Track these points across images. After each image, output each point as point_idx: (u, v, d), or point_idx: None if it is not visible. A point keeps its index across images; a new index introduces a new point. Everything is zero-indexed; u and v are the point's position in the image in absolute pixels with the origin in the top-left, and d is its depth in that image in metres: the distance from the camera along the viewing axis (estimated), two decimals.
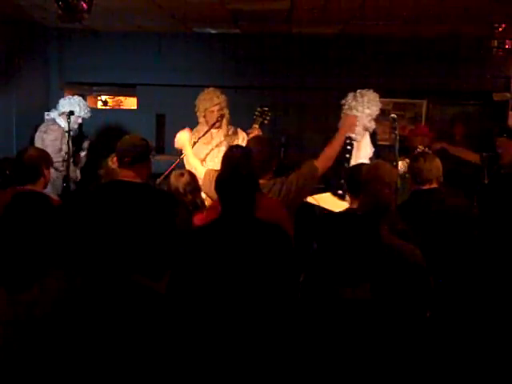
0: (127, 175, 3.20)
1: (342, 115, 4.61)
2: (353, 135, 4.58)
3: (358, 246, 1.81)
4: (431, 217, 3.44)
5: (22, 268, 2.09)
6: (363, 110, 4.56)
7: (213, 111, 4.80)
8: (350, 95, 4.66)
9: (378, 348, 1.70)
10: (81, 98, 5.76)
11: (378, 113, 4.71)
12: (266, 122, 4.92)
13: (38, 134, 5.60)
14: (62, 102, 5.67)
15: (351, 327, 1.72)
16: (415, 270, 2.66)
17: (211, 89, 4.92)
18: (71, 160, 5.24)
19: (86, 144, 5.86)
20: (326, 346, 1.70)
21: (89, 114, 5.73)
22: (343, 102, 4.67)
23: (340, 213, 2.78)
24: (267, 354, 1.85)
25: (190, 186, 3.85)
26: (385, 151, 5.56)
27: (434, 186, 3.63)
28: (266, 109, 4.92)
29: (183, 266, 2.41)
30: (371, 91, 4.69)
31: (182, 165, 4.65)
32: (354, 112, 4.56)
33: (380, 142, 6.78)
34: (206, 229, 2.72)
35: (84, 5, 3.65)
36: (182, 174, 3.91)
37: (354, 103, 4.59)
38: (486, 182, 5.04)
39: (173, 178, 3.90)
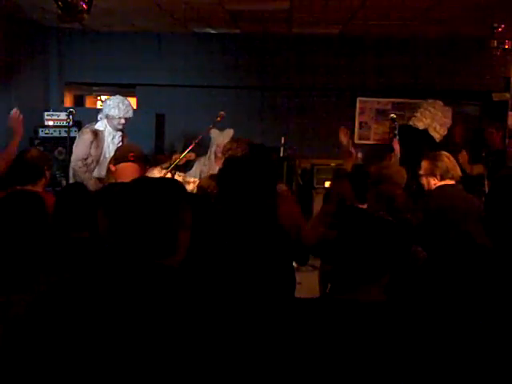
0: (130, 171, 3.33)
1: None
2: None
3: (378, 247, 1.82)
4: (455, 211, 3.52)
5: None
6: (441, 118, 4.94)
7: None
8: (423, 108, 5.04)
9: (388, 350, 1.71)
10: (122, 98, 5.29)
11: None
12: None
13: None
14: (104, 103, 5.35)
15: (364, 329, 1.73)
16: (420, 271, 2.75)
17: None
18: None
19: None
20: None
21: (130, 114, 5.26)
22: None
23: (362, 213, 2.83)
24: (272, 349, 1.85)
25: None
26: (385, 151, 5.57)
27: (453, 182, 3.75)
28: None
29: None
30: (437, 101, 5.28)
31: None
32: (429, 121, 4.93)
33: (380, 142, 6.83)
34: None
35: (84, 5, 3.65)
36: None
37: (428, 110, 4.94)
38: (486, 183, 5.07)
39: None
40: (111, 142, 5.20)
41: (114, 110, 5.10)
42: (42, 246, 2.30)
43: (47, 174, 3.53)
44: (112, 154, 4.93)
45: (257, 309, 2.13)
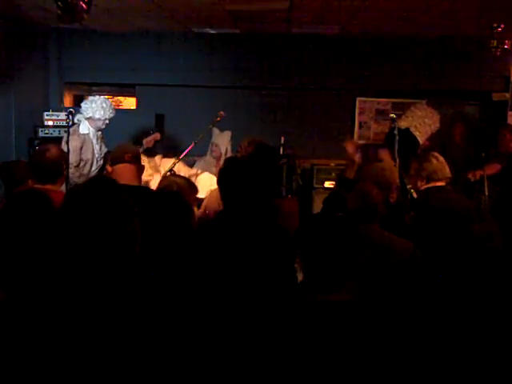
0: (127, 172, 3.30)
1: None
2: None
3: (337, 247, 1.82)
4: (444, 212, 3.51)
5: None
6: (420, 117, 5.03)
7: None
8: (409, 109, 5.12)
9: (368, 348, 1.71)
10: (103, 98, 5.49)
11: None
12: None
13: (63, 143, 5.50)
14: (84, 105, 5.43)
15: (337, 329, 1.73)
16: (407, 264, 2.81)
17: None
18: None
19: None
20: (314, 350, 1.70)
21: (114, 113, 5.47)
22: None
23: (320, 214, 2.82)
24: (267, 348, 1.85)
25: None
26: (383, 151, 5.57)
27: (443, 183, 3.72)
28: None
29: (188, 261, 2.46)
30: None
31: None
32: (410, 120, 5.06)
33: (379, 142, 6.82)
34: (209, 224, 2.81)
35: (83, 5, 3.64)
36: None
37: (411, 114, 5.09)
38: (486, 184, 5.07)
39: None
40: (96, 142, 5.41)
41: (99, 112, 5.28)
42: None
43: (65, 172, 3.55)
44: (98, 153, 5.38)
45: (254, 309, 2.13)
